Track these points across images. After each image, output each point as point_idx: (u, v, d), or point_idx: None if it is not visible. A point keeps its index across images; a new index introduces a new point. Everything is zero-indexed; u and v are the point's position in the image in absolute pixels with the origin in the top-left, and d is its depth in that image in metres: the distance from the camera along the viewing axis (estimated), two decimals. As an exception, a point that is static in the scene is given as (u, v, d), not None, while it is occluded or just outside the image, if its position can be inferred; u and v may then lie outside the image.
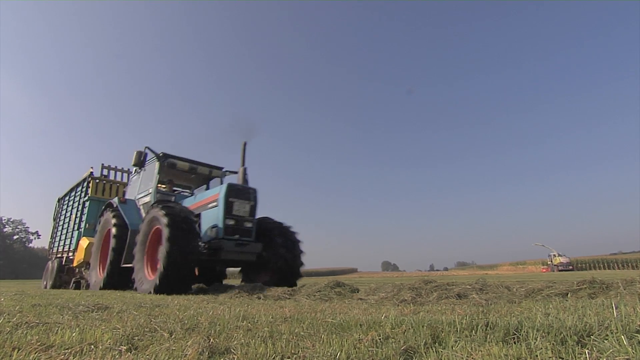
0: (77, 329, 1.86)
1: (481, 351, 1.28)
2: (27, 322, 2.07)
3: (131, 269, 6.28)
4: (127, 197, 8.35)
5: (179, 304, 3.33)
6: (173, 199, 7.77)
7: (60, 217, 13.01)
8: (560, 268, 39.90)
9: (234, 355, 1.37)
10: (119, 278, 6.91)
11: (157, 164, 7.26)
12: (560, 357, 1.19)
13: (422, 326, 1.66)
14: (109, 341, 1.59)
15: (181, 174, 8.06)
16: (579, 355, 1.18)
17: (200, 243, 5.82)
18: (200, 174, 8.12)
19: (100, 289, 6.91)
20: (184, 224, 5.49)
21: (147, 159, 7.56)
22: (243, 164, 6.71)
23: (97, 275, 7.68)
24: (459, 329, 1.58)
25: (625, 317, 1.53)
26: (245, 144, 6.71)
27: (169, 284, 5.14)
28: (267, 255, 6.58)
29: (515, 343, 1.35)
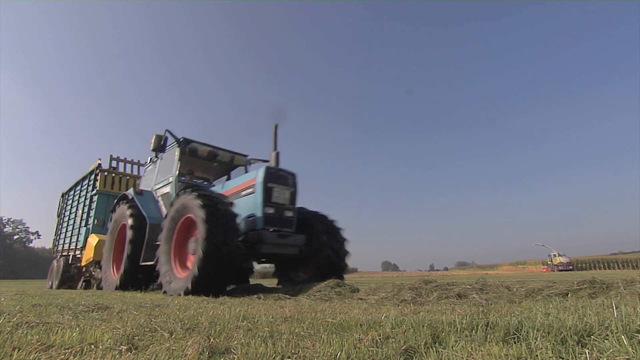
0: (77, 329, 1.86)
1: (481, 351, 1.28)
2: (27, 322, 2.07)
3: (151, 268, 5.72)
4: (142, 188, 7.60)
5: (179, 304, 3.33)
6: None
7: (65, 213, 12.34)
8: (560, 268, 39.92)
9: (234, 355, 1.37)
10: (137, 276, 6.23)
11: (177, 150, 6.61)
12: (560, 357, 1.19)
13: (422, 326, 1.66)
14: (109, 341, 1.59)
15: (200, 162, 7.31)
16: (579, 355, 1.18)
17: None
18: (221, 162, 7.44)
19: (116, 288, 6.27)
20: (224, 217, 4.81)
21: (167, 144, 6.75)
22: (275, 148, 5.94)
23: (111, 275, 6.89)
24: (459, 329, 1.58)
25: (625, 317, 1.53)
26: (276, 126, 5.93)
27: (204, 286, 4.49)
28: (307, 249, 5.97)
29: (515, 343, 1.35)
